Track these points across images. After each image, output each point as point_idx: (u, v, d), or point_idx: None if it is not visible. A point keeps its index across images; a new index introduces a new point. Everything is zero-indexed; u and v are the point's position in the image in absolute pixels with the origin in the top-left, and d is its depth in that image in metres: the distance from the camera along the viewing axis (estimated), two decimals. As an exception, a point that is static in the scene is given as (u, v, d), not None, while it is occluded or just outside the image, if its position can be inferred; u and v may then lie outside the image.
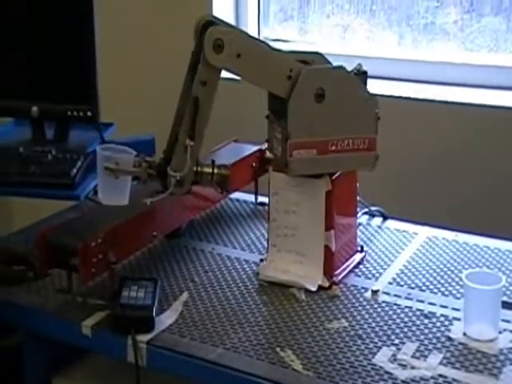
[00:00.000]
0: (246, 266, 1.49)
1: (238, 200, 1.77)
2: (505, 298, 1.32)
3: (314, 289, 1.40)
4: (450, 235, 1.58)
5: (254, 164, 1.72)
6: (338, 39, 2.33)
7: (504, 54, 2.08)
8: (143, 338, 1.26)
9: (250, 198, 1.76)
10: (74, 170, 1.79)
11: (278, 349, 1.24)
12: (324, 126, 1.36)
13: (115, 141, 1.97)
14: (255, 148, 1.72)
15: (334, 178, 1.40)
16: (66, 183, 1.77)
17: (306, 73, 1.33)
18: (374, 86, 1.40)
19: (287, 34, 2.40)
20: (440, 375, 1.16)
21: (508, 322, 1.27)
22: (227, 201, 1.76)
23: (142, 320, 1.28)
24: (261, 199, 1.73)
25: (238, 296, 1.39)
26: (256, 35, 2.28)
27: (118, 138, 1.97)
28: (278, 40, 2.34)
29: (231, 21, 2.28)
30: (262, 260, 1.48)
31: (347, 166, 1.40)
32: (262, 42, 1.40)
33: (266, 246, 1.48)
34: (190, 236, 1.61)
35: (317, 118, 1.35)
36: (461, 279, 1.29)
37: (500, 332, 1.25)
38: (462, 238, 1.57)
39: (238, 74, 1.32)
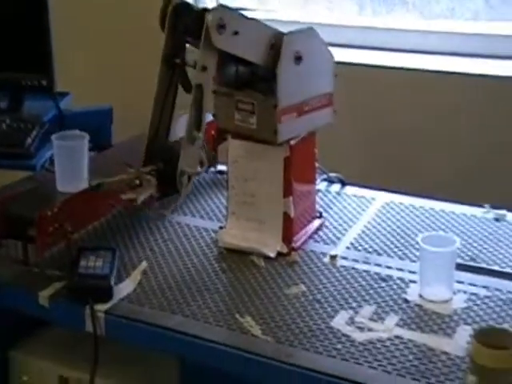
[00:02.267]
0: (205, 234, 1.49)
1: (197, 169, 1.76)
2: (459, 260, 1.34)
3: (272, 255, 1.40)
4: (406, 200, 1.60)
5: (212, 132, 1.71)
6: (298, 7, 2.32)
7: (460, 21, 2.10)
8: (101, 307, 1.25)
9: (210, 166, 1.75)
10: (29, 140, 1.76)
11: (237, 315, 1.24)
12: (302, 87, 1.39)
13: (72, 110, 1.94)
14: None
15: (292, 144, 1.40)
16: (21, 153, 1.74)
17: (287, 38, 1.34)
18: (334, 54, 1.41)
19: (247, 3, 2.37)
20: (396, 336, 1.18)
21: (462, 283, 1.30)
22: (186, 169, 1.75)
23: (100, 289, 1.27)
24: (220, 168, 1.72)
25: (197, 264, 1.39)
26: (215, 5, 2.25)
27: (75, 108, 1.95)
28: (238, 9, 2.31)
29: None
30: (221, 227, 1.48)
31: (315, 124, 1.44)
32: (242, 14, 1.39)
33: (226, 213, 1.48)
34: (148, 205, 1.60)
35: (297, 80, 1.38)
36: (417, 243, 1.31)
37: (454, 293, 1.27)
38: (419, 202, 1.59)
39: (231, 52, 1.31)
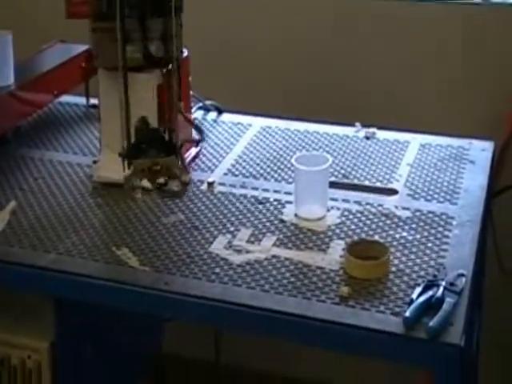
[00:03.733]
0: (78, 169, 1.44)
1: (68, 103, 1.69)
2: (333, 179, 1.37)
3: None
4: (282, 124, 1.61)
5: (83, 64, 1.63)
6: None
7: None
8: (-32, 251, 1.19)
9: (82, 100, 1.68)
10: None
11: (113, 248, 1.22)
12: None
13: None
14: (83, 48, 1.63)
15: (165, 71, 1.36)
16: None
17: None
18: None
19: None
20: (273, 256, 1.19)
21: (336, 200, 1.33)
22: (56, 105, 1.68)
23: (-34, 233, 1.21)
24: (93, 101, 1.65)
25: (70, 200, 1.35)
26: None
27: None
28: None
29: None
30: (94, 162, 1.44)
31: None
32: None
33: (99, 147, 1.43)
34: (17, 143, 1.53)
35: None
36: (292, 165, 1.32)
37: (328, 210, 1.30)
38: (294, 125, 1.59)
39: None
